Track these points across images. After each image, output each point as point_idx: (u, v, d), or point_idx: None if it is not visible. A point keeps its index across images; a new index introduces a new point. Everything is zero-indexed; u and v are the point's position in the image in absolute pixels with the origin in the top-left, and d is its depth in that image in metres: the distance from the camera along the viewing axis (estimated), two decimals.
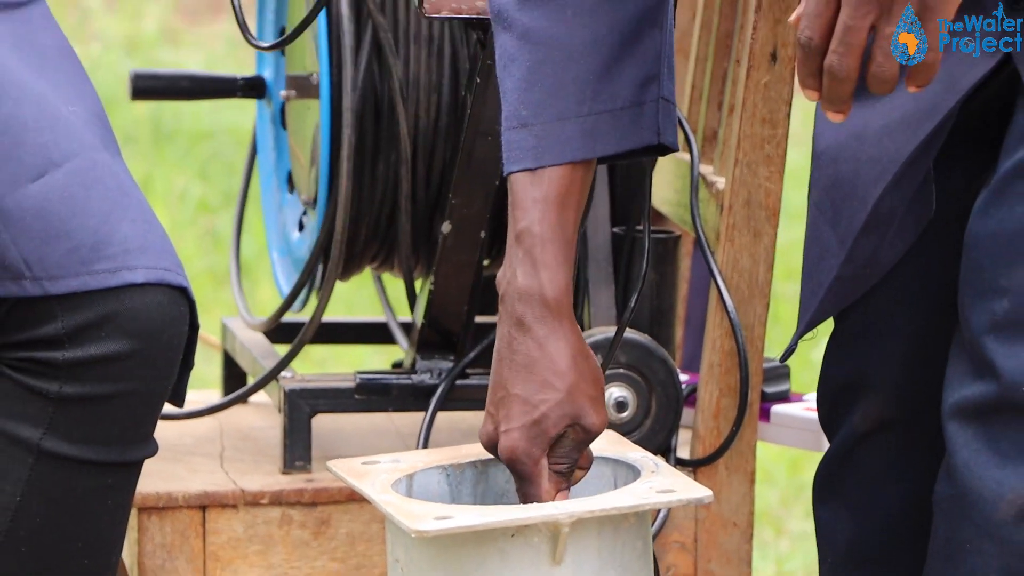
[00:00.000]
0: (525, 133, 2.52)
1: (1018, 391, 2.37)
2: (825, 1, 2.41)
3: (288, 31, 3.09)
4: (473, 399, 2.95)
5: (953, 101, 2.58)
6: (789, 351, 2.91)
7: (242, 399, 3.13)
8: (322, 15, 2.95)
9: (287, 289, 3.06)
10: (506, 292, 2.51)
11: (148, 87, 3.15)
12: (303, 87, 3.05)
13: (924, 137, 2.57)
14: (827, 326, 2.66)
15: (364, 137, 2.91)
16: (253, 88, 3.17)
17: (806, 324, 2.67)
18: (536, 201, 2.49)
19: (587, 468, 2.60)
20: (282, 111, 3.19)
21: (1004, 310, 2.46)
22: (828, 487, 2.64)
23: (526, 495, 2.55)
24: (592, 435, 2.54)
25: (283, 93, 3.14)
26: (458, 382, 2.96)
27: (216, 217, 3.08)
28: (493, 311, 2.99)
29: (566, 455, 2.52)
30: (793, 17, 2.47)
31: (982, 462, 2.42)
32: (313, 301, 3.11)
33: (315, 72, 2.98)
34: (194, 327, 2.57)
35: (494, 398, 2.54)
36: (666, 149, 2.56)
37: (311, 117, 3.02)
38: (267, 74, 3.23)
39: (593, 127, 2.51)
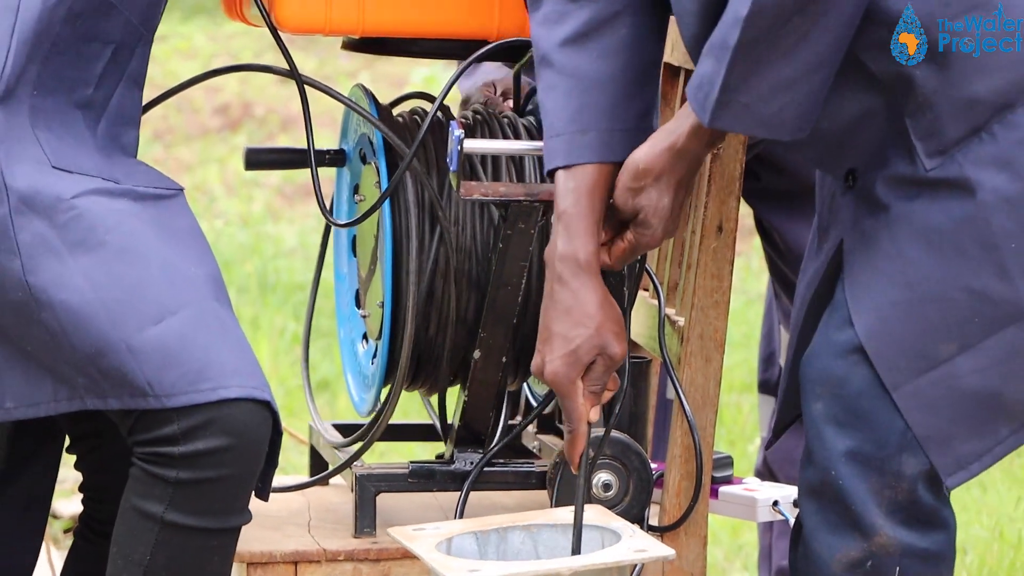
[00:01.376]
0: (559, 141, 2.61)
1: (829, 475, 2.47)
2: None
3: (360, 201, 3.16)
4: (497, 482, 3.04)
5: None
6: (769, 443, 3.07)
7: (323, 482, 3.16)
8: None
9: (357, 401, 3.10)
10: (550, 257, 2.59)
11: (256, 160, 3.17)
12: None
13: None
14: None
15: (406, 302, 2.93)
16: (337, 158, 3.17)
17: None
18: (570, 190, 2.58)
19: (614, 390, 2.68)
20: (353, 241, 3.20)
21: (819, 408, 2.56)
22: None
23: (567, 411, 2.64)
24: (616, 362, 2.62)
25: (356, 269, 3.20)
26: (485, 469, 2.99)
27: (314, 347, 3.20)
28: (512, 415, 3.12)
29: (598, 379, 2.61)
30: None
31: (820, 530, 2.51)
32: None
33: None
34: (277, 430, 2.64)
35: (541, 338, 2.62)
36: None
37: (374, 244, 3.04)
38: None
39: (609, 139, 2.59)
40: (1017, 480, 5.02)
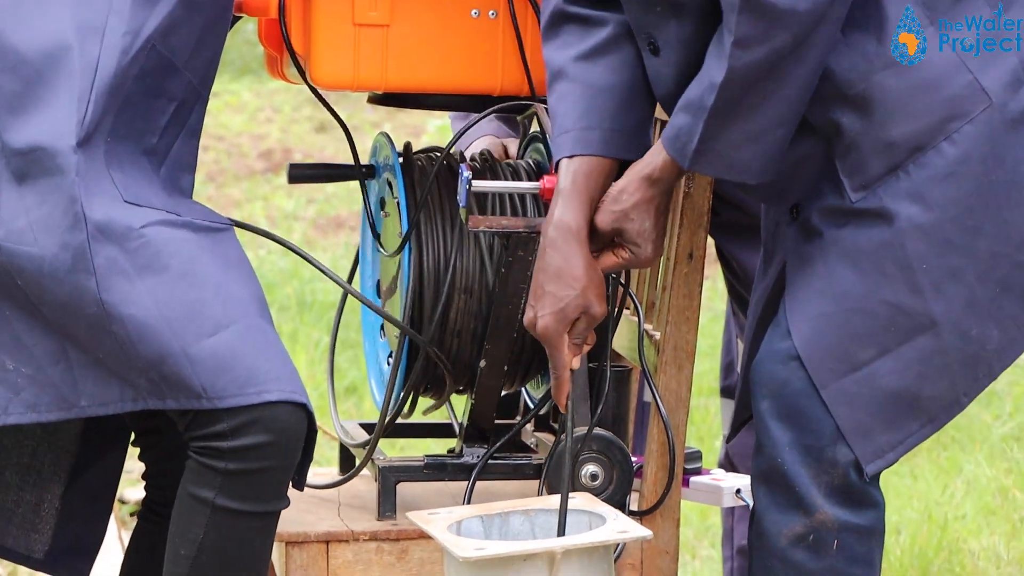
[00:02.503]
0: (567, 136, 2.59)
1: (776, 462, 2.48)
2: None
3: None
4: (498, 473, 3.03)
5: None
6: (729, 438, 3.05)
7: (352, 477, 3.13)
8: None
9: (380, 403, 3.05)
10: (546, 225, 2.58)
11: (298, 175, 3.14)
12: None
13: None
14: None
15: (423, 319, 2.94)
16: (368, 172, 3.12)
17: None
18: (571, 172, 2.58)
19: (592, 344, 2.69)
20: (378, 285, 3.18)
21: (766, 406, 2.58)
22: None
23: (553, 360, 2.64)
24: (597, 319, 2.62)
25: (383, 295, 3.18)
26: (490, 462, 2.99)
27: (338, 357, 3.19)
28: (511, 416, 3.09)
29: (581, 333, 2.62)
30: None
31: (769, 510, 2.51)
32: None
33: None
34: (312, 428, 2.63)
35: (534, 295, 2.61)
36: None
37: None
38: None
39: (610, 138, 2.58)
40: (943, 470, 5.01)
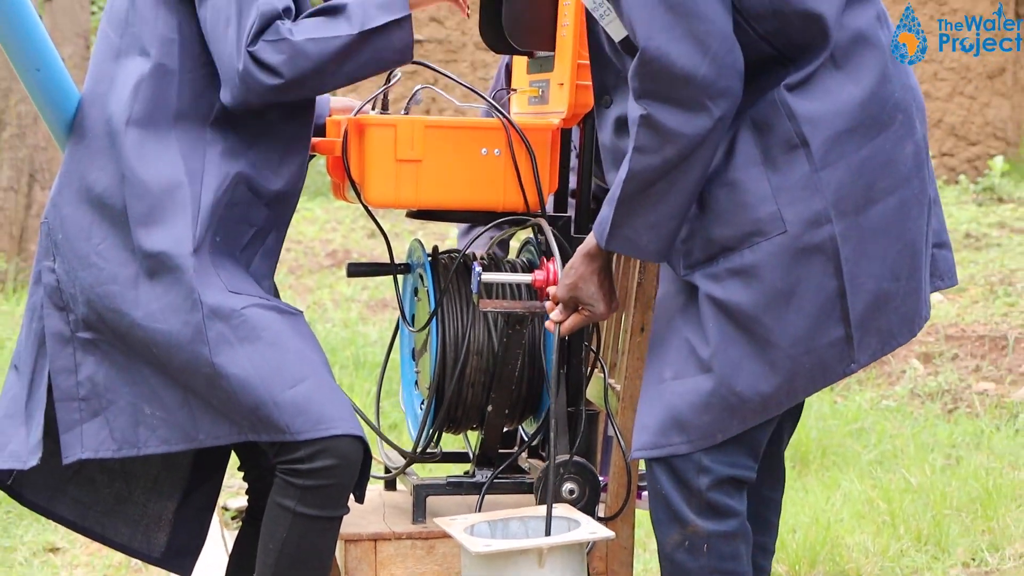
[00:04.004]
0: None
1: (656, 487, 2.45)
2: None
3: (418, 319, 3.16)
4: (501, 489, 2.99)
5: None
6: None
7: (392, 487, 3.16)
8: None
9: (414, 436, 3.05)
10: (584, 244, 2.52)
11: (355, 271, 3.12)
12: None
13: None
14: None
15: (446, 374, 2.91)
16: (405, 268, 3.11)
17: None
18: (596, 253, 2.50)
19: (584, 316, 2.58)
20: (413, 350, 3.15)
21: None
22: None
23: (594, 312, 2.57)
24: (596, 317, 2.57)
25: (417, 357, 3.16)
26: (494, 481, 2.96)
27: (383, 402, 3.20)
28: (510, 446, 3.06)
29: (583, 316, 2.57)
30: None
31: (658, 523, 2.46)
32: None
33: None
34: (367, 455, 2.61)
35: (569, 280, 2.53)
36: None
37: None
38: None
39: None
40: (826, 486, 5.00)
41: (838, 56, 2.36)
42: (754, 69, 2.36)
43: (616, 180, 2.40)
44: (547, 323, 2.61)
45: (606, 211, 2.42)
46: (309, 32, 2.55)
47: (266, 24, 2.52)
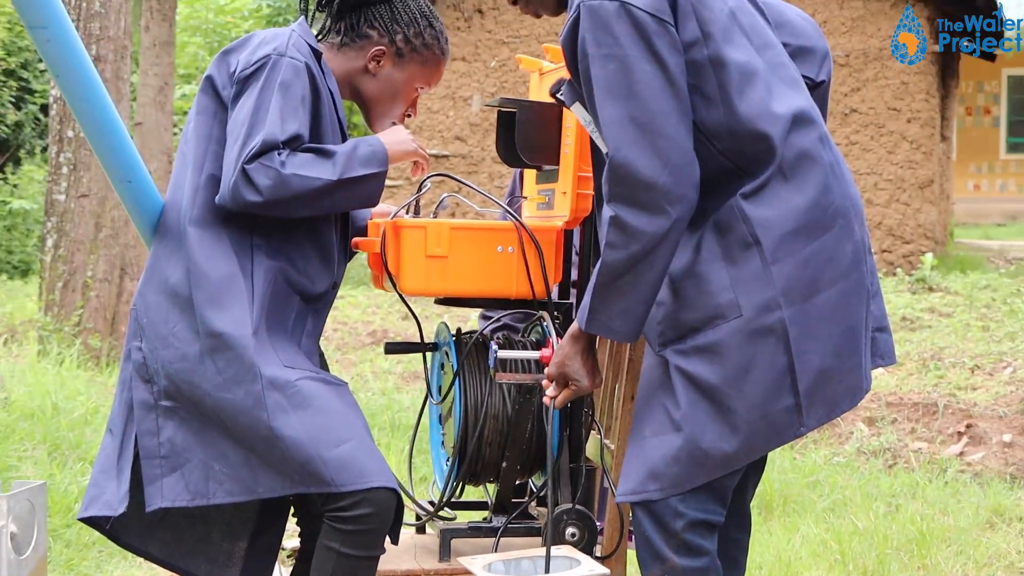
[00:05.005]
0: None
1: (639, 529, 2.42)
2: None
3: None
4: (516, 534, 2.94)
5: None
6: None
7: (422, 531, 3.09)
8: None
9: (441, 487, 3.01)
10: (570, 328, 2.50)
11: (391, 349, 3.07)
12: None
13: None
14: None
15: (467, 436, 2.88)
16: (433, 347, 3.08)
17: None
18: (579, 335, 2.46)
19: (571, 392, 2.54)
20: (440, 416, 3.12)
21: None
22: None
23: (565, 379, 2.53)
24: (583, 391, 2.53)
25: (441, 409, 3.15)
26: (508, 526, 2.93)
27: (415, 459, 3.16)
28: (522, 496, 3.03)
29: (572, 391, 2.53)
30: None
31: (642, 561, 2.45)
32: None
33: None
34: (400, 504, 2.59)
35: (558, 359, 2.51)
36: None
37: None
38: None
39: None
40: (788, 529, 4.96)
41: (786, 170, 2.36)
42: (715, 179, 2.38)
43: (594, 272, 2.41)
44: (544, 398, 2.60)
45: (586, 299, 2.42)
46: (297, 167, 2.53)
47: (265, 150, 2.51)
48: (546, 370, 2.57)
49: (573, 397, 2.57)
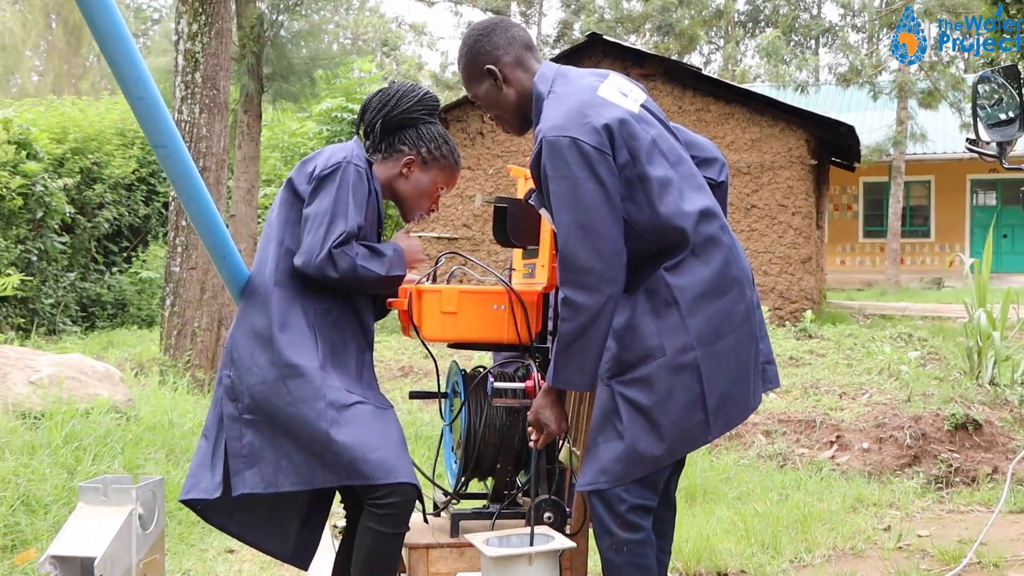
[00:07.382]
0: (554, 377, 2.37)
1: (594, 507, 2.36)
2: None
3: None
4: (508, 517, 2.88)
5: None
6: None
7: (437, 515, 3.01)
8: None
9: (452, 482, 2.95)
10: (543, 384, 2.46)
11: (416, 395, 3.03)
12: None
13: None
14: None
15: (471, 444, 2.82)
16: (443, 394, 3.00)
17: None
18: (549, 390, 2.41)
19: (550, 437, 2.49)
20: (451, 429, 3.12)
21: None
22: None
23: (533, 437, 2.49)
24: (551, 435, 2.46)
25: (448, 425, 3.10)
26: (502, 512, 2.87)
27: (432, 461, 3.09)
28: (512, 489, 2.96)
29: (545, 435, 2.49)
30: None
31: (597, 533, 2.39)
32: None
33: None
34: (420, 495, 2.55)
35: (534, 408, 2.46)
36: None
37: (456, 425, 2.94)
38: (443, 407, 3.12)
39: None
40: (707, 512, 4.91)
41: (697, 250, 2.36)
42: (645, 259, 2.38)
43: (555, 342, 2.39)
44: (529, 443, 2.58)
45: (552, 362, 2.41)
46: (363, 260, 2.54)
47: (348, 239, 2.53)
48: (528, 417, 2.55)
49: (548, 440, 2.55)
